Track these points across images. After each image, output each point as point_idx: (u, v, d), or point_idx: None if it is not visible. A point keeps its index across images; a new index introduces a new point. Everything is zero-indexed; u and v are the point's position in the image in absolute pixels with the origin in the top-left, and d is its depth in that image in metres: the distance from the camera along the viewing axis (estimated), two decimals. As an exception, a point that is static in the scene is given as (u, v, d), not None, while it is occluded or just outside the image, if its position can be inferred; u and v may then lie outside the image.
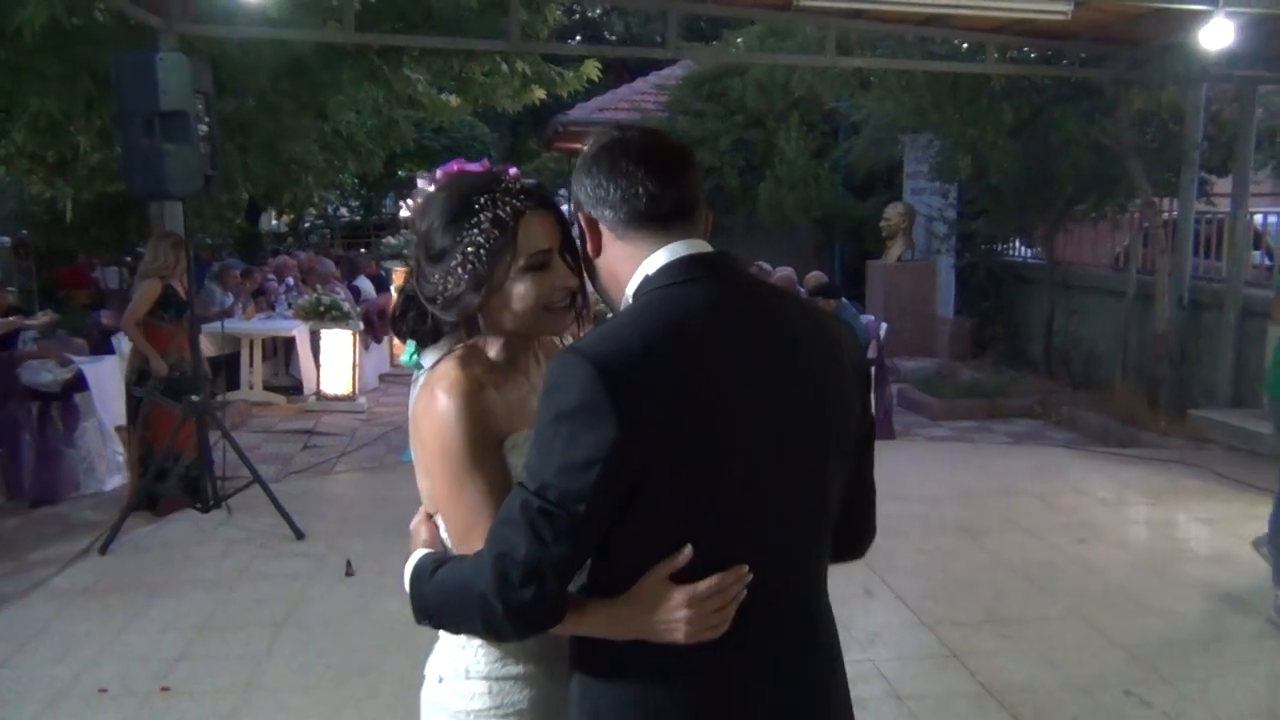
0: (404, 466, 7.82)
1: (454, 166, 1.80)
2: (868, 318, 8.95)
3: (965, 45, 9.43)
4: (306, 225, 24.12)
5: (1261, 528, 5.03)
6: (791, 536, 1.54)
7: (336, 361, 10.35)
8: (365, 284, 13.10)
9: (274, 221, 24.40)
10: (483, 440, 1.60)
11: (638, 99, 17.31)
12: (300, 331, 10.26)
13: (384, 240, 17.60)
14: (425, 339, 1.76)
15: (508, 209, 1.64)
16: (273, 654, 4.33)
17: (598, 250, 1.60)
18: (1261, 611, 4.74)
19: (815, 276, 9.25)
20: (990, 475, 7.39)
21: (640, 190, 1.54)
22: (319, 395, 10.32)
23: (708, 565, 1.44)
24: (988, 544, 5.81)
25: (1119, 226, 11.22)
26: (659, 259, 1.54)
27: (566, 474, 1.39)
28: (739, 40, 15.69)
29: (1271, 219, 10.40)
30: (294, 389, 10.52)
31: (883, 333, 8.88)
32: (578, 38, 21.55)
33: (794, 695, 1.55)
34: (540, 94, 10.04)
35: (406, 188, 26.89)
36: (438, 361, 1.69)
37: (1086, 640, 4.50)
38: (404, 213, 28.86)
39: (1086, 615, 4.76)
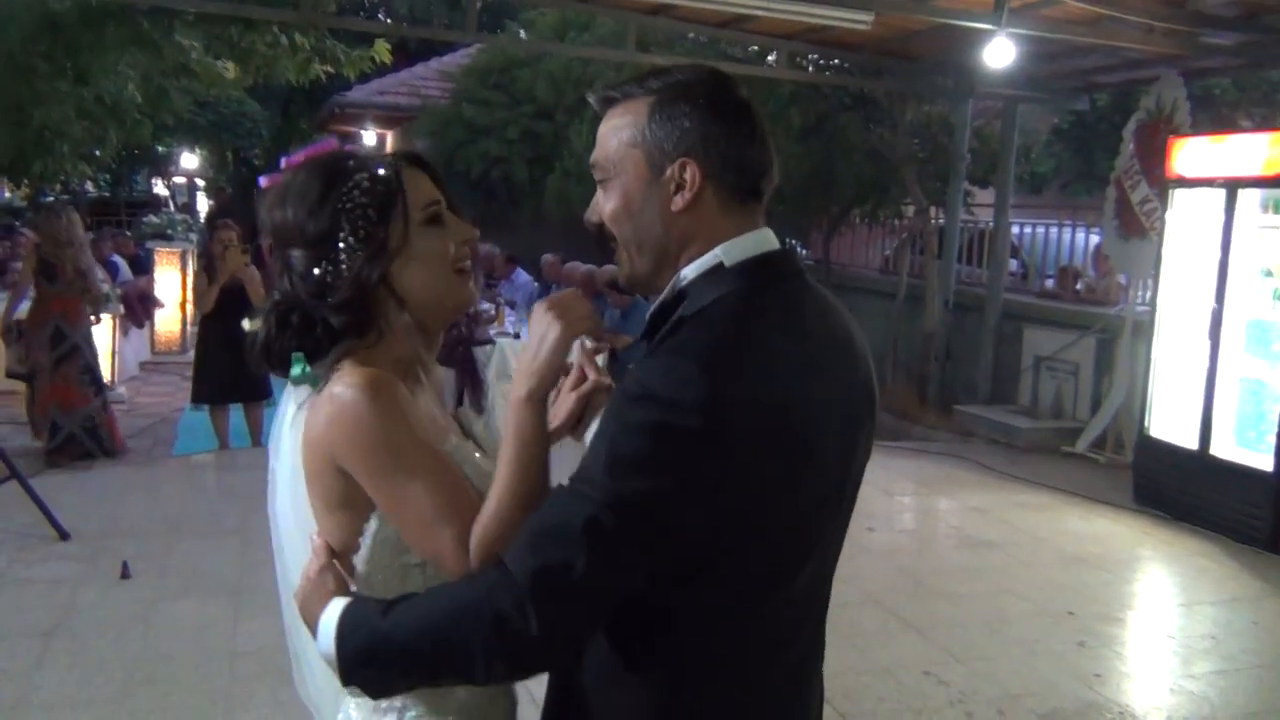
0: (175, 461, 7.32)
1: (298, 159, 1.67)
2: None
3: (755, 49, 9.70)
4: (48, 199, 22.19)
5: (1026, 515, 5.40)
6: (834, 553, 1.44)
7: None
8: (120, 263, 12.14)
9: (6, 194, 22.36)
10: (418, 428, 1.40)
11: (419, 84, 16.91)
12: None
13: (145, 219, 16.41)
14: (315, 350, 1.47)
15: (383, 167, 1.46)
16: (43, 666, 3.91)
17: (682, 207, 1.31)
18: (1028, 594, 5.10)
19: (608, 272, 9.30)
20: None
21: (765, 166, 1.34)
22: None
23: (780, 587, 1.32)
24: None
25: (890, 231, 11.85)
26: (746, 245, 1.32)
27: (625, 478, 1.18)
28: (519, 31, 15.55)
29: (1026, 230, 11.25)
30: (42, 377, 9.61)
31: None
32: (360, 15, 20.78)
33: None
34: (325, 69, 9.59)
35: (165, 164, 25.28)
36: (329, 371, 1.44)
37: (884, 624, 4.70)
38: (160, 190, 27.14)
39: (881, 600, 4.96)
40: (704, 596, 1.27)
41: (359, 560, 1.44)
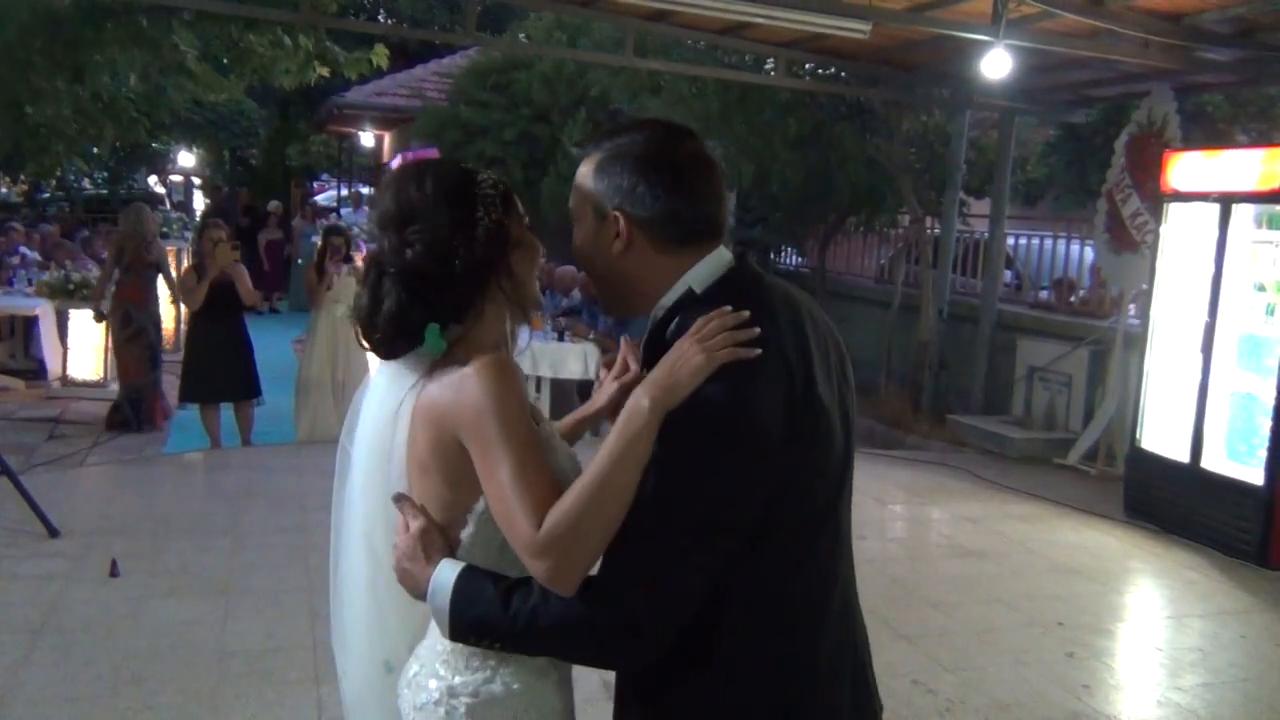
0: (166, 460, 7.30)
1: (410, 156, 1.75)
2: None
3: (750, 58, 9.73)
4: (44, 196, 22.16)
5: (1017, 525, 5.41)
6: (850, 485, 1.62)
7: (85, 344, 9.55)
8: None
9: (2, 190, 22.33)
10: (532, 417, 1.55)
11: (418, 85, 16.90)
12: (44, 310, 9.40)
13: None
14: (412, 335, 1.59)
15: (494, 179, 1.63)
16: (30, 663, 3.90)
17: (621, 251, 1.53)
18: (1018, 604, 5.10)
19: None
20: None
21: (698, 213, 1.54)
22: (64, 380, 9.48)
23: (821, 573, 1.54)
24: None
25: (885, 240, 11.86)
26: (710, 270, 1.53)
27: (736, 500, 1.38)
28: (520, 35, 15.55)
29: (1021, 241, 11.28)
30: (34, 373, 9.61)
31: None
32: (360, 17, 20.78)
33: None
34: (324, 72, 9.60)
35: (162, 162, 25.23)
36: (446, 353, 1.58)
37: (874, 632, 4.62)
38: (157, 188, 27.04)
39: (872, 608, 4.91)
40: (768, 551, 1.45)
41: (465, 535, 1.56)
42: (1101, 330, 8.33)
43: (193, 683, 3.79)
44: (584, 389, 8.63)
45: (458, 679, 1.57)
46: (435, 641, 1.60)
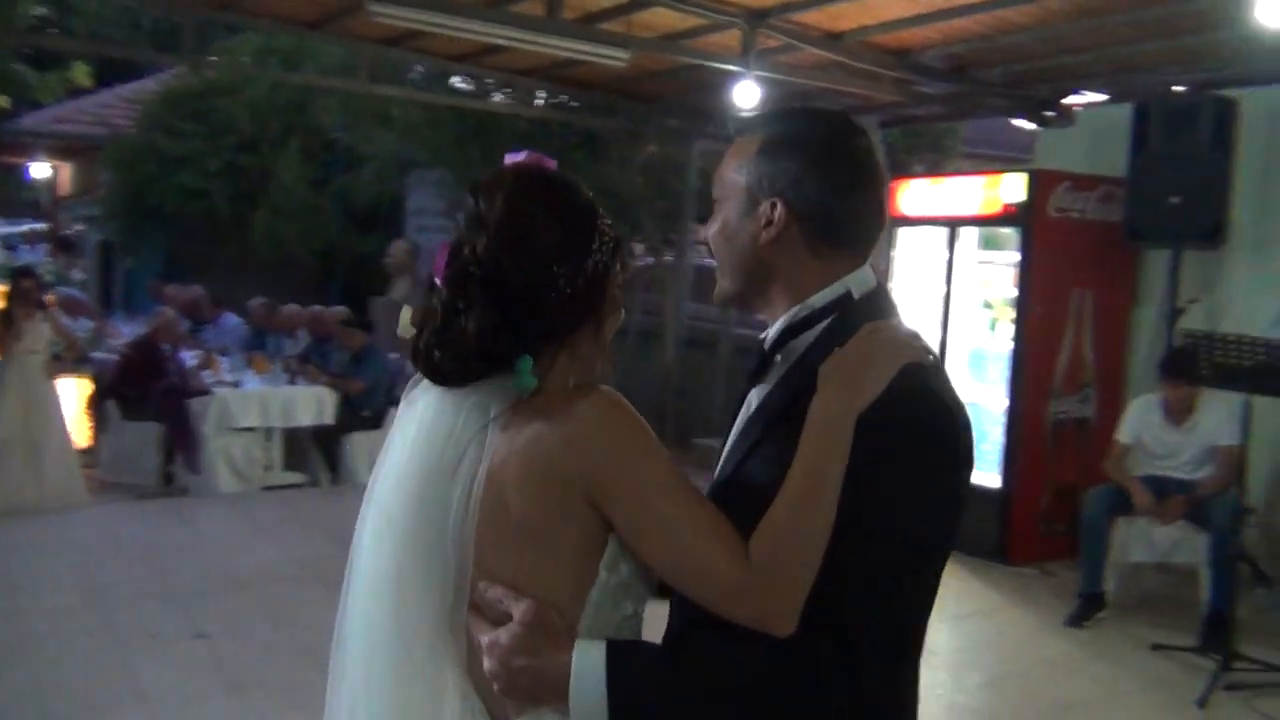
0: None
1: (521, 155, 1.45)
2: (393, 356, 8.65)
3: (482, 86, 9.56)
4: None
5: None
6: None
7: None
8: None
9: None
10: None
11: (104, 112, 15.43)
12: None
13: None
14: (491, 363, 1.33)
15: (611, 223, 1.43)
16: None
17: (769, 241, 1.40)
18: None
19: (340, 312, 8.85)
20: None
21: (863, 219, 1.44)
22: None
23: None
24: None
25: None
26: (864, 280, 1.44)
27: (926, 521, 1.29)
28: (213, 59, 14.54)
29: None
30: None
31: (410, 371, 8.61)
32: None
33: None
34: (3, 103, 8.50)
35: None
36: (536, 387, 1.32)
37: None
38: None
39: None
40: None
41: (586, 612, 1.29)
42: (833, 350, 8.72)
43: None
44: (321, 436, 8.09)
45: None
46: None
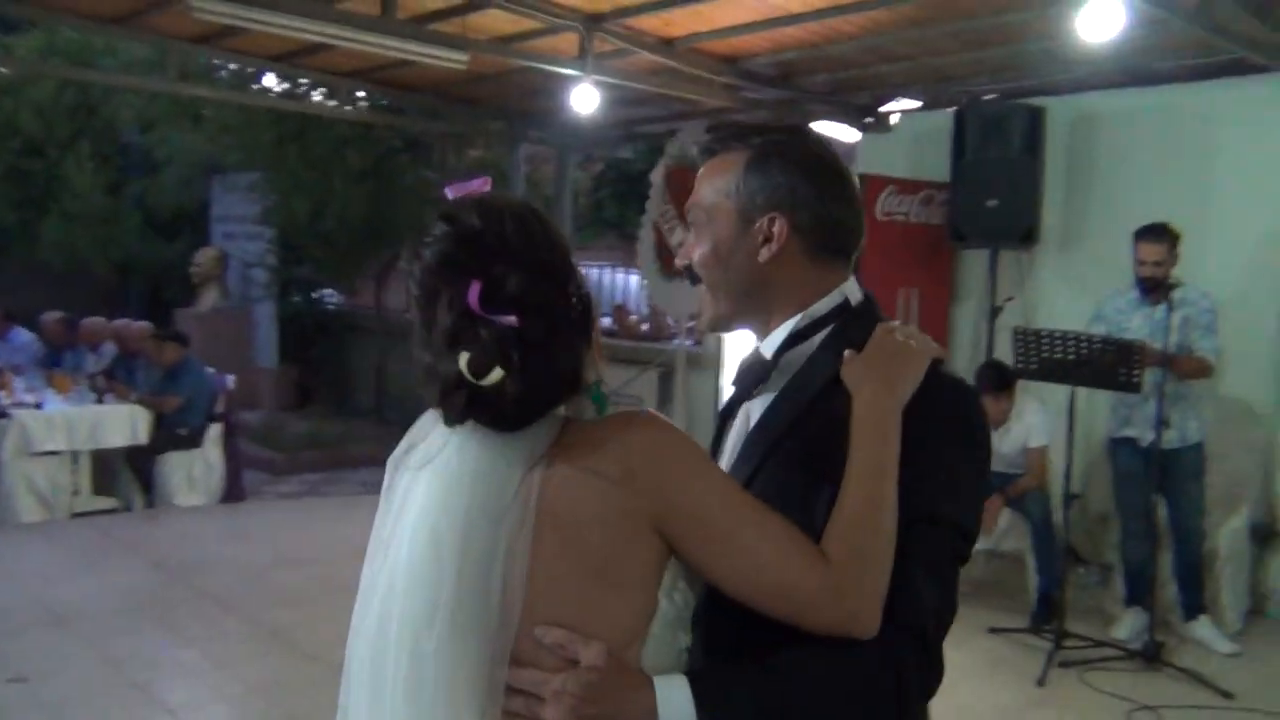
0: None
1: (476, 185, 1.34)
2: (210, 370, 8.20)
3: (299, 88, 9.18)
4: None
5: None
6: None
7: None
8: None
9: None
10: None
11: None
12: None
13: None
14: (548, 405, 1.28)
15: None
16: None
17: (770, 258, 1.41)
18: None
19: (141, 328, 8.32)
20: (369, 527, 7.15)
21: (854, 223, 1.47)
22: None
23: None
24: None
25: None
26: (854, 289, 1.47)
27: (973, 509, 1.35)
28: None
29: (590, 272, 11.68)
30: None
31: (230, 385, 8.20)
32: None
33: None
34: None
35: None
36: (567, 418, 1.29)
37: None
38: None
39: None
40: None
41: (646, 647, 1.24)
42: (666, 353, 8.81)
43: None
44: (134, 457, 7.56)
45: None
46: None
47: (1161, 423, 4.78)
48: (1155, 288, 4.89)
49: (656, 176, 8.46)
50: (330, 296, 12.88)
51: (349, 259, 10.56)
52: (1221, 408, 5.39)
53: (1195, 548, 5.09)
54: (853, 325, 1.41)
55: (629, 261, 9.92)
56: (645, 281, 9.00)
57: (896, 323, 1.40)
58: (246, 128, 9.05)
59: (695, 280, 1.49)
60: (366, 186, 9.42)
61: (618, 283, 11.03)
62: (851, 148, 7.76)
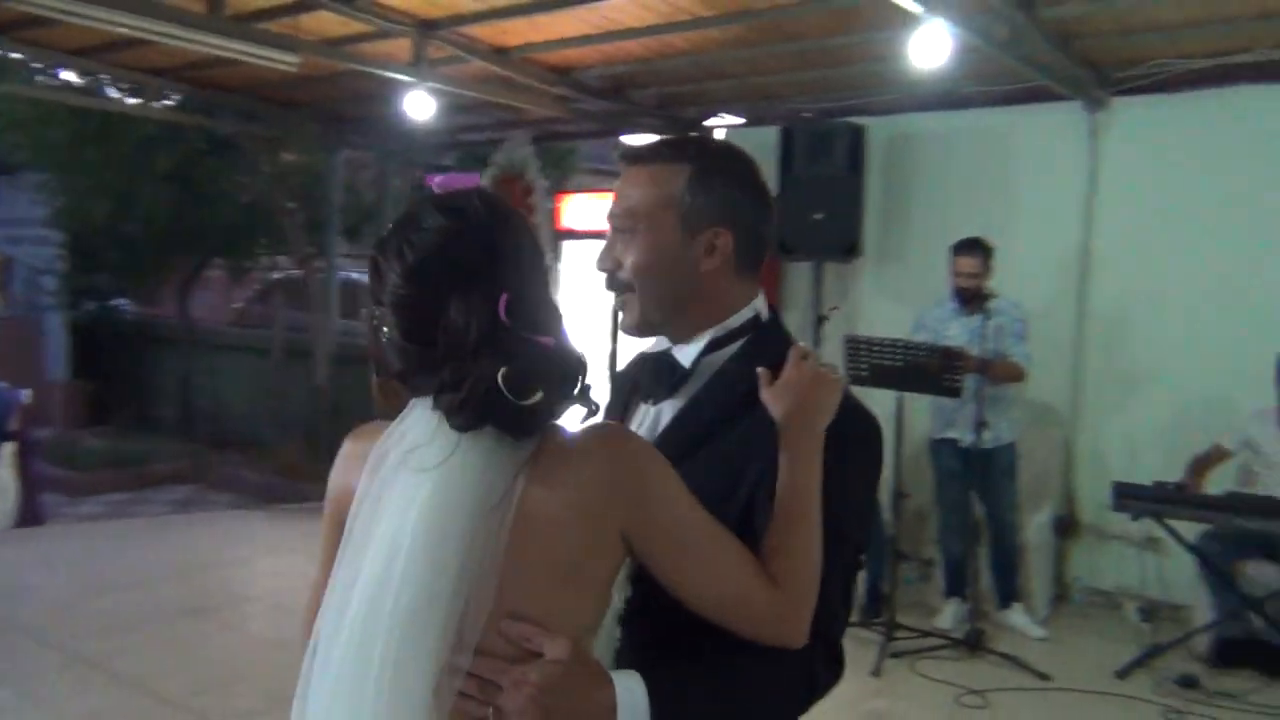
0: None
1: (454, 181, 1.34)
2: (2, 384, 7.60)
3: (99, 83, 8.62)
4: None
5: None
6: None
7: None
8: None
9: None
10: None
11: None
12: None
13: None
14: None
15: None
16: None
17: (712, 269, 1.46)
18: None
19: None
20: (185, 549, 6.82)
21: (772, 239, 1.55)
22: None
23: None
24: (230, 621, 5.35)
25: (243, 284, 11.26)
26: (762, 304, 1.54)
27: (868, 525, 1.53)
28: None
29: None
30: None
31: (25, 400, 7.62)
32: None
33: None
34: None
35: None
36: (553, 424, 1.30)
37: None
38: None
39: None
40: None
41: (601, 639, 1.33)
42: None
43: None
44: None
45: None
46: None
47: (981, 424, 5.12)
48: (972, 299, 5.24)
49: (484, 184, 8.40)
50: (126, 306, 12.16)
51: (152, 265, 10.00)
52: (1026, 410, 5.80)
53: (1010, 540, 5.46)
54: (764, 340, 1.49)
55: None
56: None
57: (805, 345, 1.45)
58: (42, 124, 8.43)
59: (615, 285, 1.51)
60: (173, 189, 8.93)
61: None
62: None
